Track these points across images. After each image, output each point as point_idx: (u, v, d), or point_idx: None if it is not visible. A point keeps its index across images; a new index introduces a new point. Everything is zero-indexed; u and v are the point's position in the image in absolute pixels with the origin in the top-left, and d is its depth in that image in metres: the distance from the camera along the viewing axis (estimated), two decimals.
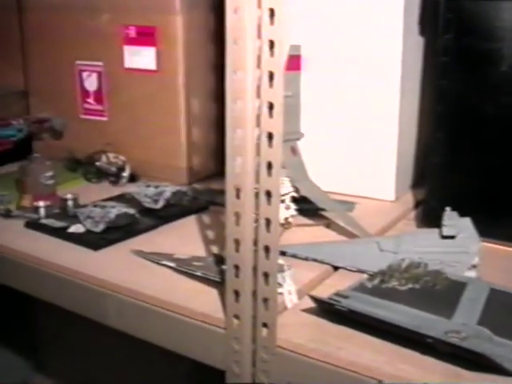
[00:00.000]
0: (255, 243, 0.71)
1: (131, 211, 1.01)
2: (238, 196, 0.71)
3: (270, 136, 0.68)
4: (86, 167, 1.26)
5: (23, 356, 1.65)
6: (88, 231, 0.99)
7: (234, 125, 0.70)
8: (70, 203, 1.09)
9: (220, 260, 0.86)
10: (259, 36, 0.66)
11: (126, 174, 1.21)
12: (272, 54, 0.66)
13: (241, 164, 0.70)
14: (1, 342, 1.59)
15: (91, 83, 1.28)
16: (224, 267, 0.75)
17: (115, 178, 1.22)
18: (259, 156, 0.69)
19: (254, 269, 0.72)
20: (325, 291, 0.81)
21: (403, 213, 1.10)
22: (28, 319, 1.58)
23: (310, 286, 0.84)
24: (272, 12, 0.65)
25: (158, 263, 0.89)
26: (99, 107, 1.28)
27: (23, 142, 1.28)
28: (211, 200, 1.13)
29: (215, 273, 0.82)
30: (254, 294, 0.72)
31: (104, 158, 1.24)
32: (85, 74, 1.28)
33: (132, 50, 1.21)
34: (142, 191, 1.09)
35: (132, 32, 1.20)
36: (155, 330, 0.82)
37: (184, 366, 1.22)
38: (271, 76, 0.67)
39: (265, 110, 0.68)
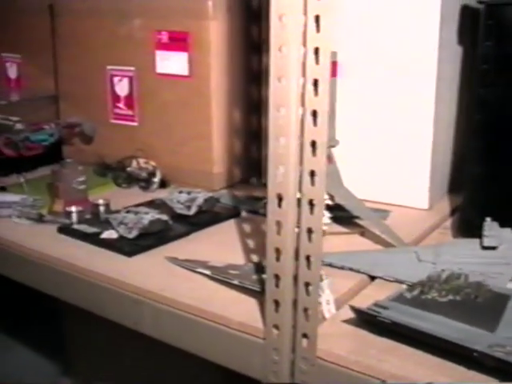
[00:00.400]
0: (296, 252, 0.70)
1: (164, 217, 1.00)
2: (279, 205, 0.70)
3: (314, 144, 0.67)
4: (116, 172, 1.26)
5: (51, 359, 1.65)
6: (121, 237, 0.98)
7: (277, 133, 0.69)
8: (101, 209, 1.08)
9: (256, 268, 0.85)
10: (304, 43, 0.65)
11: (156, 179, 1.21)
12: (317, 62, 0.65)
13: (283, 172, 0.69)
14: (30, 345, 1.59)
15: (122, 88, 1.27)
16: (264, 276, 0.74)
17: (146, 183, 1.22)
18: (302, 164, 0.68)
19: (295, 278, 0.71)
20: (363, 301, 0.79)
21: (438, 222, 1.09)
22: (56, 322, 1.58)
23: (348, 296, 0.83)
24: (317, 18, 0.64)
25: (193, 271, 0.88)
26: (130, 112, 1.28)
27: (53, 147, 1.28)
28: (249, 208, 1.12)
29: (252, 281, 0.81)
30: (295, 303, 0.72)
31: (134, 164, 1.23)
32: (116, 79, 1.28)
33: (164, 55, 1.21)
34: (175, 197, 1.08)
35: (164, 37, 1.20)
36: (191, 338, 0.81)
37: (213, 374, 1.21)
38: (316, 83, 0.66)
39: (309, 118, 0.67)
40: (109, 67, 1.28)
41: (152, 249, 0.96)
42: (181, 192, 1.10)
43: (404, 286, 0.83)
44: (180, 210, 1.06)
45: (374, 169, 1.14)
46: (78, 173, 1.10)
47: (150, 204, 1.12)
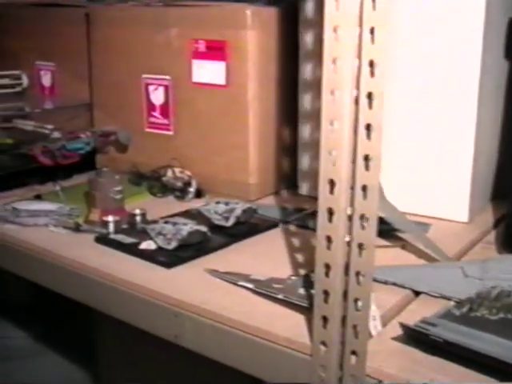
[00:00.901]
0: (346, 268, 0.69)
1: (203, 229, 0.99)
2: (330, 219, 0.68)
3: (367, 158, 0.66)
4: (151, 181, 1.25)
5: (81, 368, 1.65)
6: (159, 248, 0.97)
7: (329, 147, 0.68)
8: (138, 218, 1.08)
9: (301, 282, 0.84)
10: (358, 55, 0.64)
11: (192, 189, 1.20)
12: (372, 74, 0.64)
13: (335, 187, 0.68)
14: (61, 354, 1.58)
15: (158, 97, 1.27)
16: (312, 292, 0.72)
17: (181, 193, 1.21)
18: (354, 179, 0.67)
19: (344, 294, 0.69)
20: (409, 318, 0.78)
21: (479, 235, 1.07)
22: (87, 331, 1.57)
23: (393, 312, 0.81)
24: (372, 30, 0.63)
25: (235, 284, 0.87)
26: (165, 121, 1.27)
27: (88, 155, 1.27)
28: (286, 219, 1.11)
29: (298, 296, 0.80)
30: (343, 320, 0.70)
31: (170, 173, 1.22)
32: (151, 88, 1.27)
33: (200, 64, 1.20)
34: (212, 208, 1.07)
35: (201, 46, 1.19)
36: (234, 353, 0.80)
37: None
38: (370, 97, 0.64)
39: (362, 131, 0.65)
40: (144, 76, 1.28)
41: (191, 260, 0.95)
42: (218, 203, 1.09)
43: (451, 303, 0.81)
44: (218, 220, 1.05)
45: (412, 180, 1.12)
46: (114, 182, 1.09)
47: (186, 214, 1.11)
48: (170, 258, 0.95)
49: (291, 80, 1.22)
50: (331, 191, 0.68)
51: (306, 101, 1.22)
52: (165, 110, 1.27)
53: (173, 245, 0.96)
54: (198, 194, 1.22)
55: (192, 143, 1.25)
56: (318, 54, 1.17)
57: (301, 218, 1.10)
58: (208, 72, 1.19)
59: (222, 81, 1.18)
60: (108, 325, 1.49)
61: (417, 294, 0.86)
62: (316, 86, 1.19)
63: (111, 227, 1.05)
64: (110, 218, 1.05)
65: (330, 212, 0.68)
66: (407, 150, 1.12)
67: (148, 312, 0.88)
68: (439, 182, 1.11)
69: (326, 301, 0.70)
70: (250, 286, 0.85)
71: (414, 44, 1.07)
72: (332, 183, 0.68)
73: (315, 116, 1.21)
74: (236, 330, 0.79)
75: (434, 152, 1.10)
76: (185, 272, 0.93)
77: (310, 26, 1.18)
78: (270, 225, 1.09)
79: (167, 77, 1.25)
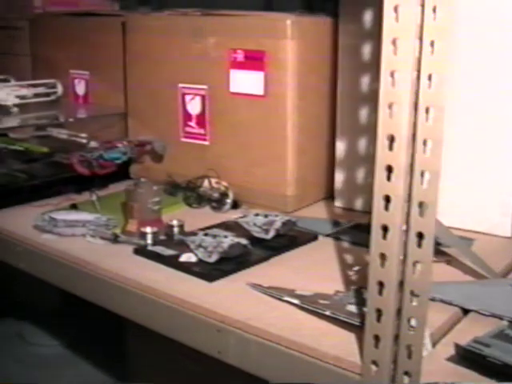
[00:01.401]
0: (401, 286, 0.67)
1: (243, 241, 0.98)
2: (384, 236, 0.67)
3: (423, 174, 0.64)
4: (186, 192, 1.24)
5: (113, 378, 1.64)
6: (200, 261, 0.96)
7: (384, 162, 0.65)
8: (175, 230, 1.07)
9: (347, 299, 0.82)
10: (417, 68, 0.62)
11: (229, 200, 1.19)
12: (430, 87, 0.62)
13: (390, 203, 0.66)
14: (91, 363, 1.57)
15: (194, 106, 1.26)
16: (364, 309, 0.70)
17: (217, 203, 1.20)
18: (411, 195, 0.65)
19: (398, 313, 0.68)
20: (459, 337, 0.76)
21: None
22: (120, 340, 1.56)
23: (442, 331, 0.79)
24: (432, 43, 0.61)
25: (279, 299, 0.85)
26: (201, 131, 1.26)
27: (123, 164, 1.26)
28: (326, 232, 1.09)
29: (345, 313, 0.78)
30: (396, 339, 0.68)
31: (206, 183, 1.21)
32: (188, 98, 1.26)
33: (239, 74, 1.19)
34: (251, 220, 1.06)
35: (240, 56, 1.18)
36: (280, 370, 0.78)
37: None
38: (428, 111, 0.63)
39: (420, 146, 0.64)
40: (181, 85, 1.27)
41: (232, 274, 0.94)
42: (257, 215, 1.07)
43: (504, 322, 0.79)
44: (257, 233, 1.04)
45: (455, 194, 1.10)
46: (152, 193, 1.08)
47: (224, 226, 1.09)
48: (211, 271, 0.93)
49: (330, 91, 1.21)
50: (386, 207, 0.66)
51: (344, 113, 1.20)
52: (201, 119, 1.26)
53: (214, 258, 0.95)
54: (235, 205, 1.20)
55: (229, 154, 1.23)
56: (358, 66, 1.15)
57: (341, 231, 1.08)
58: (246, 82, 1.18)
59: (260, 91, 1.17)
60: (139, 334, 1.48)
61: (465, 311, 0.84)
62: (356, 98, 1.18)
63: (149, 239, 1.03)
64: (148, 230, 1.04)
65: (385, 228, 0.66)
66: (452, 164, 1.09)
67: (190, 326, 0.87)
68: (482, 197, 1.08)
69: (378, 319, 0.68)
70: (296, 301, 0.83)
71: (471, 57, 1.05)
72: (387, 199, 0.66)
73: (353, 128, 1.19)
74: (282, 346, 0.77)
75: (478, 167, 1.08)
76: (227, 286, 0.91)
77: (351, 37, 1.16)
78: (310, 237, 1.08)
79: (204, 86, 1.24)
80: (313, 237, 1.08)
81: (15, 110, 1.37)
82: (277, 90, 1.15)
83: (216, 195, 1.19)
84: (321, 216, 1.19)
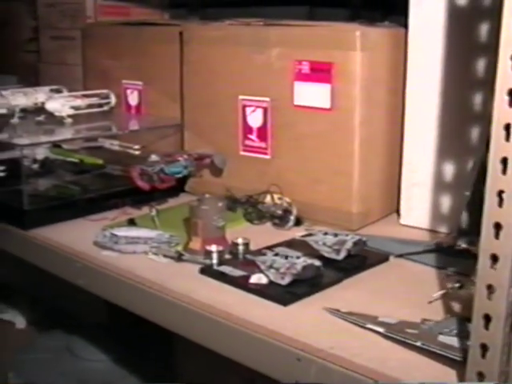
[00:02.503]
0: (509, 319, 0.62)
1: (316, 263, 0.93)
2: (492, 266, 0.62)
3: None
4: (246, 207, 1.20)
5: None
6: (271, 282, 0.92)
7: (496, 187, 0.61)
8: (240, 248, 1.03)
9: (438, 328, 0.77)
10: None
11: (292, 217, 1.14)
12: None
13: (502, 230, 0.61)
14: (142, 380, 1.54)
15: (255, 119, 1.22)
16: (468, 343, 0.66)
17: (280, 220, 1.16)
18: None
19: (506, 349, 0.63)
20: None
21: None
22: (168, 357, 1.53)
23: None
24: None
25: (362, 326, 0.81)
26: (262, 144, 1.22)
27: (181, 178, 1.23)
28: (398, 252, 1.04)
29: (437, 344, 0.73)
30: (501, 377, 0.63)
31: (268, 199, 1.17)
32: (249, 110, 1.22)
33: (304, 87, 1.14)
34: (320, 239, 1.01)
35: (305, 68, 1.14)
36: None
37: None
38: None
39: None
40: (241, 97, 1.23)
41: (306, 297, 0.90)
42: (326, 233, 1.03)
43: None
44: (328, 253, 0.99)
45: None
46: (217, 209, 1.04)
47: (291, 244, 1.05)
48: (284, 295, 0.89)
49: (398, 105, 1.16)
50: (496, 235, 0.61)
51: (413, 127, 1.15)
52: (262, 132, 1.22)
53: (287, 280, 0.90)
54: (297, 221, 1.16)
55: (291, 168, 1.19)
56: (427, 80, 1.11)
57: (414, 252, 1.04)
58: (311, 95, 1.14)
59: (326, 104, 1.12)
60: (189, 351, 1.44)
61: None
62: (424, 112, 1.13)
63: (215, 258, 0.99)
64: (214, 248, 1.00)
65: (494, 258, 0.62)
66: None
67: (267, 354, 0.82)
68: None
69: (483, 356, 0.64)
70: (380, 329, 0.79)
71: None
72: (498, 226, 0.61)
73: (421, 144, 1.15)
74: (368, 378, 0.73)
75: None
76: (303, 310, 0.87)
77: (420, 49, 1.12)
78: (381, 258, 1.03)
79: (266, 99, 1.20)
80: (384, 257, 1.03)
81: (69, 120, 1.34)
82: (344, 104, 1.11)
83: (279, 212, 1.15)
84: (387, 234, 1.14)
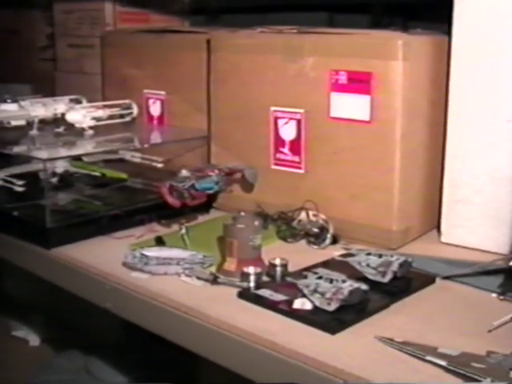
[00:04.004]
0: None
1: (363, 287, 0.88)
2: None
3: None
4: (279, 224, 1.14)
5: None
6: (315, 308, 0.86)
7: None
8: (278, 270, 0.97)
9: (509, 363, 0.71)
10: None
11: (329, 235, 1.09)
12: None
13: None
14: None
15: (288, 132, 1.16)
16: None
17: (316, 238, 1.10)
18: None
19: None
20: None
21: None
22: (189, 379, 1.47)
23: None
24: None
25: (421, 358, 0.75)
26: (295, 158, 1.16)
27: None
28: (445, 274, 0.98)
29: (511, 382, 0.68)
30: None
31: (303, 216, 1.11)
32: (281, 122, 1.17)
33: (340, 98, 1.09)
34: (363, 260, 0.96)
35: (342, 78, 1.08)
36: None
37: None
38: None
39: None
40: (273, 108, 1.17)
41: (354, 324, 0.84)
42: (369, 254, 0.97)
43: None
44: (372, 275, 0.94)
45: None
46: (253, 228, 0.98)
47: (331, 265, 0.99)
48: (331, 322, 0.83)
49: (440, 117, 1.11)
50: None
51: (455, 140, 1.09)
52: (295, 146, 1.16)
53: (334, 306, 0.84)
54: (334, 240, 1.10)
55: (326, 183, 1.13)
56: (472, 90, 1.05)
57: (463, 273, 0.98)
58: (349, 106, 1.08)
59: (365, 116, 1.07)
60: (211, 372, 1.38)
61: None
62: (467, 125, 1.07)
63: (252, 280, 0.94)
64: (251, 270, 0.94)
65: None
66: None
67: None
68: None
69: None
70: (442, 362, 0.73)
71: None
72: None
73: (465, 156, 1.09)
74: None
75: None
76: (352, 339, 0.81)
77: (464, 59, 1.06)
78: (427, 280, 0.97)
79: (300, 110, 1.14)
80: (430, 279, 0.97)
81: (90, 132, 1.29)
82: (384, 116, 1.05)
83: (315, 229, 1.09)
84: (428, 253, 1.08)
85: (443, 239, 1.13)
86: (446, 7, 1.07)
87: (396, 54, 1.03)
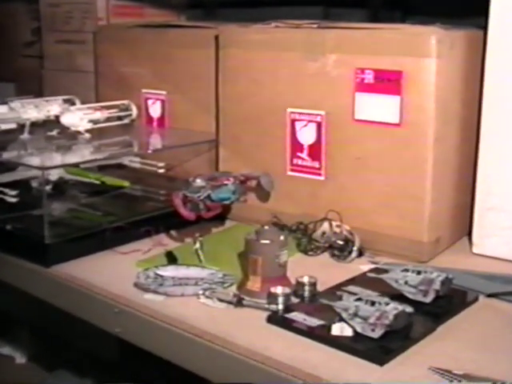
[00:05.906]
0: None
1: (408, 309, 0.79)
2: None
3: None
4: (299, 236, 1.05)
5: None
6: (357, 334, 0.77)
7: None
8: (307, 289, 0.88)
9: None
10: None
11: (355, 248, 1.00)
12: None
13: None
14: None
15: (307, 135, 1.07)
16: None
17: (340, 251, 1.01)
18: None
19: None
20: None
21: None
22: None
23: None
24: None
25: None
26: (315, 164, 1.07)
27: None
28: (488, 291, 0.90)
29: None
30: None
31: (326, 227, 1.02)
32: (299, 125, 1.08)
33: (366, 98, 1.01)
34: (400, 277, 0.87)
35: (369, 77, 1.00)
36: None
37: None
38: None
39: None
40: (290, 110, 1.08)
41: (402, 352, 0.75)
42: (406, 270, 0.89)
43: None
44: (412, 295, 0.85)
45: None
46: (279, 244, 0.89)
47: (362, 282, 0.91)
48: (378, 351, 0.75)
49: (473, 119, 1.03)
50: None
51: (489, 145, 1.01)
52: (315, 150, 1.07)
53: (379, 332, 0.76)
54: (360, 252, 1.02)
55: (349, 192, 1.05)
56: (508, 91, 0.98)
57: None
58: (376, 108, 1.00)
59: (394, 119, 0.99)
60: None
61: None
62: (501, 128, 1.00)
63: (281, 302, 0.85)
64: (279, 290, 0.85)
65: None
66: None
67: None
68: None
69: None
70: None
71: None
72: None
73: (498, 162, 1.01)
74: None
75: None
76: (404, 371, 0.72)
77: (498, 56, 0.98)
78: (471, 299, 0.89)
79: (321, 112, 1.05)
80: (473, 298, 0.89)
81: (87, 136, 1.19)
82: (416, 118, 0.97)
83: (340, 242, 1.01)
84: (461, 266, 1.00)
85: (475, 250, 1.06)
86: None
87: (429, 50, 0.95)
